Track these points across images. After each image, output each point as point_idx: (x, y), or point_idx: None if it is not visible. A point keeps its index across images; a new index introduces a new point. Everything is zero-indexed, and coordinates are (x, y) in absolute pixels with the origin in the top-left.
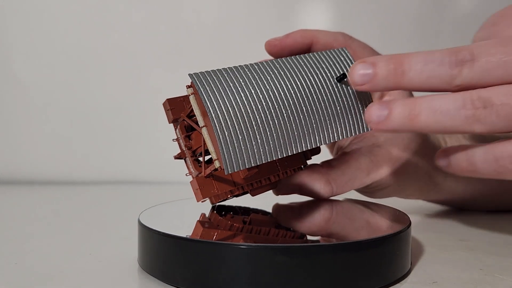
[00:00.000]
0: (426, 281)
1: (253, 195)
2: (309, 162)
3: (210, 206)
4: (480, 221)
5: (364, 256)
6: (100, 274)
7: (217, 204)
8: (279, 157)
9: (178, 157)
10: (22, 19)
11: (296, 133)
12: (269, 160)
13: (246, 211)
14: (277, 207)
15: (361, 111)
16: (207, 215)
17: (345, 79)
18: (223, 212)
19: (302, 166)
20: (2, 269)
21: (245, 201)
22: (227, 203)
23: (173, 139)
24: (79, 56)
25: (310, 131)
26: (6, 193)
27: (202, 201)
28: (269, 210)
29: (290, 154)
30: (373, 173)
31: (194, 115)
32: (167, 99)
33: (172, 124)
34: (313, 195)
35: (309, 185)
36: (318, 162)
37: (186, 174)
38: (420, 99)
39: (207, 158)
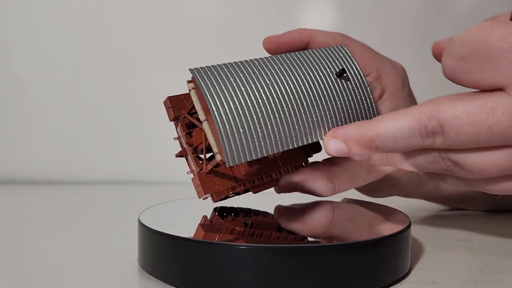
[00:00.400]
0: (426, 281)
1: (254, 192)
2: (310, 160)
3: (211, 206)
4: (480, 221)
5: (364, 257)
6: (100, 274)
7: (219, 205)
8: (280, 150)
9: (179, 155)
10: (22, 19)
11: (296, 127)
12: (270, 153)
13: (247, 213)
14: (278, 208)
15: (361, 107)
16: (208, 217)
17: (344, 75)
18: (225, 214)
19: (303, 164)
20: (2, 269)
21: (247, 201)
22: (228, 204)
23: (174, 138)
24: (79, 56)
25: (311, 125)
26: (6, 193)
27: (203, 198)
28: (271, 211)
29: (291, 147)
30: (374, 170)
31: (195, 112)
32: (168, 97)
33: (172, 123)
34: (314, 193)
35: (311, 183)
36: (320, 160)
37: (187, 172)
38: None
39: (208, 155)
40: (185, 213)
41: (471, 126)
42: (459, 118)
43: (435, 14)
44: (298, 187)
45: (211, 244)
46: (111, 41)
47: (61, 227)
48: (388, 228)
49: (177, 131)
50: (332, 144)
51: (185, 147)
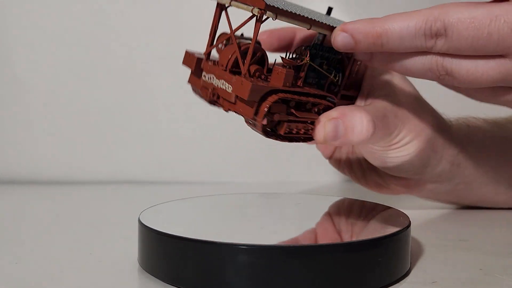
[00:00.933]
0: (426, 281)
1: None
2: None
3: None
4: (480, 221)
5: (364, 257)
6: (100, 274)
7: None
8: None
9: (211, 99)
10: (22, 19)
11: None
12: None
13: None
14: None
15: None
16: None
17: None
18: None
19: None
20: (2, 269)
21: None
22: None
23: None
24: (79, 56)
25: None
26: (6, 193)
27: (266, 109)
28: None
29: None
30: (405, 129)
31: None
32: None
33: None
34: (352, 133)
35: (350, 115)
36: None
37: (227, 109)
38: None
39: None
40: (185, 213)
41: (472, 31)
42: (463, 22)
43: None
44: (337, 128)
45: (211, 244)
46: (111, 41)
47: (61, 227)
48: (387, 228)
49: (202, 80)
50: (341, 37)
51: (217, 81)
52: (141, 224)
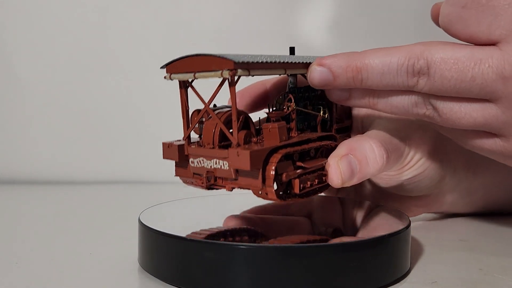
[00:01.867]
0: (426, 281)
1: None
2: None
3: (211, 208)
4: (480, 221)
5: (364, 256)
6: (100, 274)
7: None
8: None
9: (209, 184)
10: (22, 19)
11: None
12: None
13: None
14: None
15: None
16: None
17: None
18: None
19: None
20: (2, 269)
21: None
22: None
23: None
24: (79, 56)
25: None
26: (6, 193)
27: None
28: None
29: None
30: (413, 145)
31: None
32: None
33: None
34: (367, 165)
35: (360, 148)
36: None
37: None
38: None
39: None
40: (185, 213)
41: (456, 73)
42: (446, 62)
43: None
44: (351, 164)
45: (211, 244)
46: (111, 42)
47: (61, 227)
48: (388, 228)
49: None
50: (318, 72)
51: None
52: (141, 224)
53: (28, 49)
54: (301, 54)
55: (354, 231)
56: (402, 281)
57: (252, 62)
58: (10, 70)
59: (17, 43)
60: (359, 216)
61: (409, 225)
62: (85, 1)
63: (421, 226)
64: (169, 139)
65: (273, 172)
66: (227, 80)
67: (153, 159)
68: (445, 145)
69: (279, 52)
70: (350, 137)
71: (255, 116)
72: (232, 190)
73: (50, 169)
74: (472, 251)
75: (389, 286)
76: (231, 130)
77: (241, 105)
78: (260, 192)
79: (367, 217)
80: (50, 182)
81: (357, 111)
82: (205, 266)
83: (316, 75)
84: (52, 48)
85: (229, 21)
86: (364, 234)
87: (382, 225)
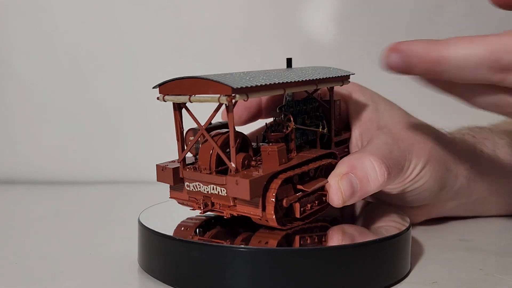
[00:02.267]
0: (426, 281)
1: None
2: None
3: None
4: (480, 221)
5: (365, 257)
6: (100, 274)
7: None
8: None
9: (206, 209)
10: (22, 19)
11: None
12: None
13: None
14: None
15: None
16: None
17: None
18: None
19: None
20: (2, 269)
21: None
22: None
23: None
24: (80, 56)
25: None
26: (6, 193)
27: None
28: None
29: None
30: (414, 158)
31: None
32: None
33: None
34: (368, 183)
35: (360, 167)
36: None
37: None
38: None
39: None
40: (184, 213)
41: None
42: None
43: (435, 14)
44: (351, 183)
45: (211, 246)
46: (112, 42)
47: (61, 227)
48: (388, 229)
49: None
50: (393, 57)
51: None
52: (140, 224)
53: (28, 49)
54: (303, 50)
55: (355, 232)
56: (402, 281)
57: (251, 86)
58: (10, 70)
59: (17, 43)
60: (360, 217)
61: (409, 226)
62: (85, 1)
63: (421, 227)
64: (169, 139)
65: (273, 199)
66: (224, 105)
67: (153, 159)
68: (447, 156)
69: (282, 47)
70: (348, 149)
71: (254, 126)
72: (230, 216)
73: (50, 169)
74: (472, 251)
75: (389, 287)
76: (228, 150)
77: (236, 118)
78: (260, 219)
79: (368, 218)
80: (50, 182)
81: (355, 123)
82: (205, 266)
83: (392, 60)
84: (52, 48)
85: (230, 22)
86: (366, 235)
87: (382, 226)
